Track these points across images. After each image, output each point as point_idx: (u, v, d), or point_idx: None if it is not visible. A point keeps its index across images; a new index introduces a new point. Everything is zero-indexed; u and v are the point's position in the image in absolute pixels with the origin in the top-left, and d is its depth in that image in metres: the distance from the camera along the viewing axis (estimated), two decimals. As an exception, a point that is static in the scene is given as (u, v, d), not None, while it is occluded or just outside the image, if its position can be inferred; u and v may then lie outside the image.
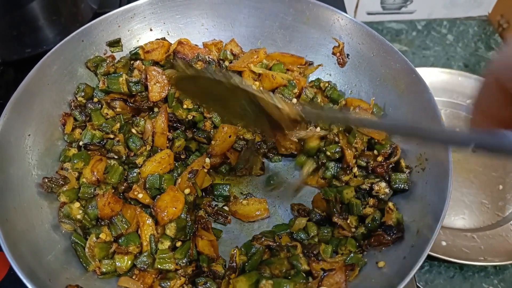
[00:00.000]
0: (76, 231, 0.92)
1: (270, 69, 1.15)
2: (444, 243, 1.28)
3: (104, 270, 0.88)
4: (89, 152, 1.01)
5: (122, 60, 1.13)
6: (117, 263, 0.88)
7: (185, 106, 1.12)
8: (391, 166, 1.00)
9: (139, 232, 0.91)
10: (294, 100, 1.10)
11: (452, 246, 1.27)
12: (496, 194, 1.43)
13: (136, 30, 1.17)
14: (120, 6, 1.14)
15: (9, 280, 0.97)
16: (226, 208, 1.03)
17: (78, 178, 0.97)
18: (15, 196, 0.88)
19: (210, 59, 1.16)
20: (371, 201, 0.97)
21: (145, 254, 0.89)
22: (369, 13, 2.00)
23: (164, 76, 1.09)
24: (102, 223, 0.93)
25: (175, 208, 0.90)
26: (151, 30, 1.19)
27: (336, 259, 0.90)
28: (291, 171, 1.11)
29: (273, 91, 1.12)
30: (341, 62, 1.16)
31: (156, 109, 1.10)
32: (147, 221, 0.91)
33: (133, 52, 1.15)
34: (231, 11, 1.20)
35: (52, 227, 0.91)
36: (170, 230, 0.90)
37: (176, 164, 1.03)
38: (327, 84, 1.14)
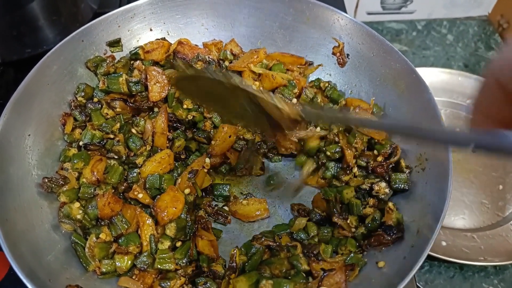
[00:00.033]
0: (76, 231, 0.92)
1: (270, 69, 1.15)
2: (444, 243, 1.28)
3: (104, 270, 0.88)
4: (89, 152, 1.01)
5: (122, 60, 1.13)
6: (117, 263, 0.88)
7: (185, 106, 1.11)
8: (391, 166, 1.00)
9: (139, 232, 0.91)
10: (294, 100, 1.10)
11: (452, 246, 1.27)
12: (496, 194, 1.42)
13: (136, 30, 1.17)
14: (120, 6, 1.14)
15: (9, 280, 0.97)
16: (226, 208, 1.03)
17: (78, 178, 0.97)
18: (15, 196, 0.88)
19: (210, 59, 1.16)
20: (371, 201, 0.97)
21: (145, 254, 0.89)
22: (369, 13, 2.00)
23: (164, 76, 1.09)
24: (102, 223, 0.93)
25: (175, 208, 0.90)
26: (151, 30, 1.19)
27: (336, 259, 0.90)
28: (291, 171, 1.11)
29: (273, 91, 1.12)
30: (341, 62, 1.16)
31: (156, 109, 1.10)
32: (147, 221, 0.91)
33: (133, 52, 1.15)
34: (231, 11, 1.20)
35: (52, 227, 0.91)
36: (170, 230, 0.90)
37: (176, 164, 1.03)
38: (327, 84, 1.14)
